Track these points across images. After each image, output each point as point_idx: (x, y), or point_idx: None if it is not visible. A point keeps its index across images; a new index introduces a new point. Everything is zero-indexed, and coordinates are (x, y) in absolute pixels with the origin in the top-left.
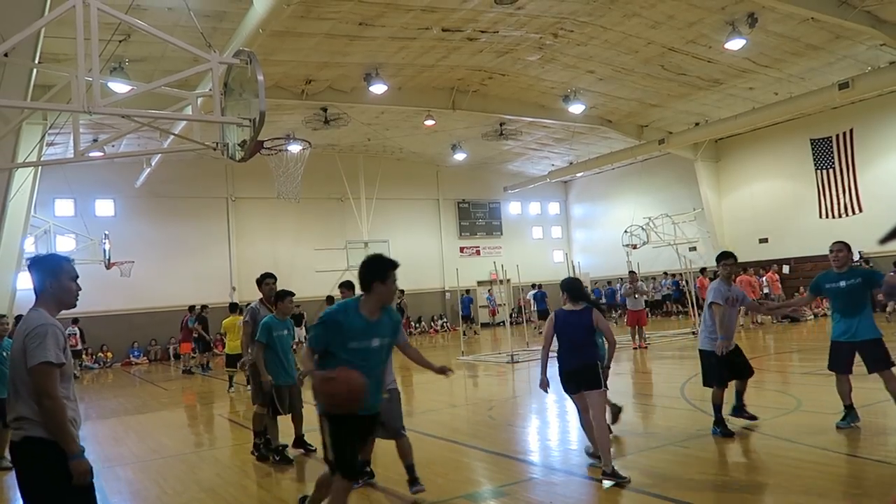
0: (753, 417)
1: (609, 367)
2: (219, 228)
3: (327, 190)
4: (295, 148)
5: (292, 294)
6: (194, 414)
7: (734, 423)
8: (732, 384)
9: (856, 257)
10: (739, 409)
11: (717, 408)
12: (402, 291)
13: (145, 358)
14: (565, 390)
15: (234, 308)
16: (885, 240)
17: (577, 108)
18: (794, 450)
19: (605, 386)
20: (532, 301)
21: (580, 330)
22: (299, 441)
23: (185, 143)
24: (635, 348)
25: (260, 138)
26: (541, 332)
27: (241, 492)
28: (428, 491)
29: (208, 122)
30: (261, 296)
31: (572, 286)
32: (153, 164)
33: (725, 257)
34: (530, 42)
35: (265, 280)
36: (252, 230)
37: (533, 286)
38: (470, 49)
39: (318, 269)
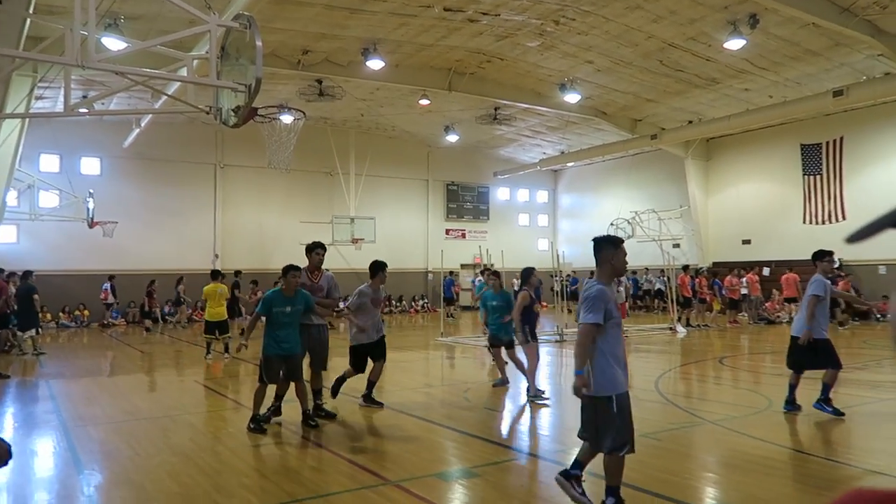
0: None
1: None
2: (205, 195)
3: (317, 163)
4: (288, 118)
5: (298, 269)
6: (170, 378)
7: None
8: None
9: (836, 264)
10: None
11: (827, 388)
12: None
13: (123, 320)
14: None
15: (215, 275)
16: (853, 238)
17: (572, 98)
18: (762, 448)
19: (529, 340)
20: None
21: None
22: (305, 416)
23: (178, 105)
24: None
25: (254, 105)
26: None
27: (214, 458)
28: (400, 468)
29: (203, 84)
30: (307, 263)
31: (523, 274)
32: (142, 125)
33: (829, 254)
34: (531, 28)
35: (315, 249)
36: (239, 199)
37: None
38: (470, 31)
39: (302, 242)
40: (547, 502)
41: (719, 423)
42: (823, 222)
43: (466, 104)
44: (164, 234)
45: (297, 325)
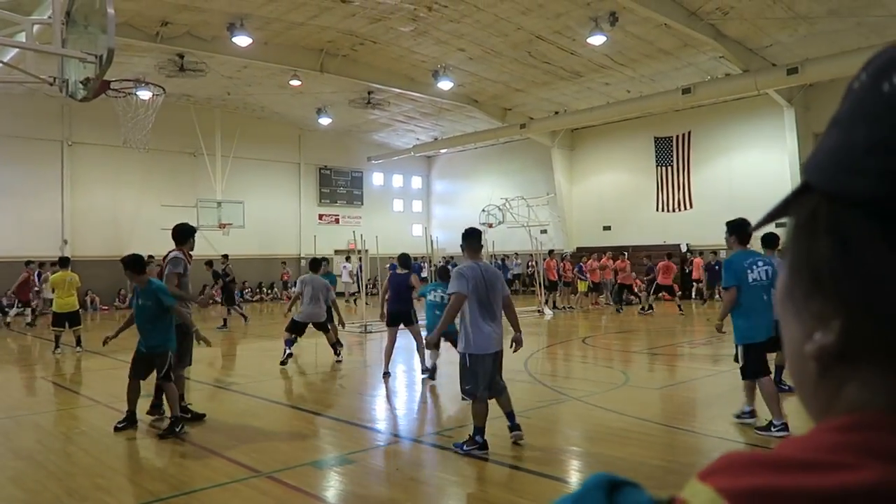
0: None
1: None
2: (51, 174)
3: (179, 143)
4: (145, 94)
5: (151, 258)
6: (13, 376)
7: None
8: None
9: (683, 248)
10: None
11: (780, 369)
12: (226, 256)
13: None
14: (389, 324)
15: (64, 263)
16: (758, 225)
17: (445, 85)
18: (620, 421)
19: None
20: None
21: (403, 286)
22: (172, 423)
23: (15, 74)
24: None
25: (106, 78)
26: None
27: (65, 459)
28: (273, 459)
29: (45, 52)
30: (178, 246)
31: (403, 259)
32: None
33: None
34: (404, 12)
35: (195, 233)
36: (90, 179)
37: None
38: (343, 11)
39: (164, 227)
40: (421, 483)
41: (582, 399)
42: (673, 210)
43: (339, 87)
44: (2, 216)
45: (154, 322)
